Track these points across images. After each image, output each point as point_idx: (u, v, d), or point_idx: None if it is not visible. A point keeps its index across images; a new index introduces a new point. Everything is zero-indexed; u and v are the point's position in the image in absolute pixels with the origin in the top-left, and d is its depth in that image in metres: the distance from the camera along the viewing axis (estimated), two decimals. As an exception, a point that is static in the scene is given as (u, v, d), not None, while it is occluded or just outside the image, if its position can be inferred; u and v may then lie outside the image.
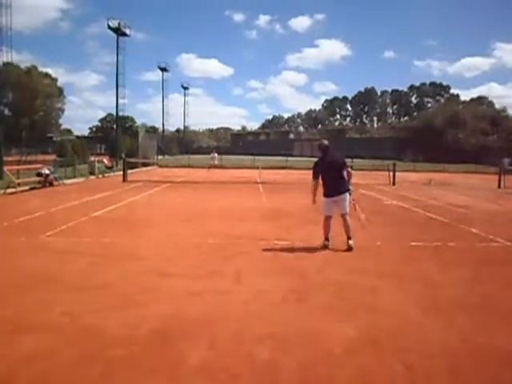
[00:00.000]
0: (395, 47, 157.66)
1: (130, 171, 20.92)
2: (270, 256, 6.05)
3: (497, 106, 68.13)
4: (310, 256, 6.12)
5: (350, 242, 6.43)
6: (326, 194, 6.65)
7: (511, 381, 2.88)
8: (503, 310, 4.17)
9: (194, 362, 3.00)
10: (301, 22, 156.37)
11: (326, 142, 6.88)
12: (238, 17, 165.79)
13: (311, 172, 6.89)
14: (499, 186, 18.97)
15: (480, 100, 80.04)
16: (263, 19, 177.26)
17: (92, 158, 24.47)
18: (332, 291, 4.59)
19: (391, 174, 19.72)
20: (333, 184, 6.52)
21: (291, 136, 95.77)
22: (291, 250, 6.44)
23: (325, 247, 6.50)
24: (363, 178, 23.65)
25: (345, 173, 6.58)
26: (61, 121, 70.20)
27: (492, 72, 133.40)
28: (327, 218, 6.70)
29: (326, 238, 6.62)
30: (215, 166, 32.24)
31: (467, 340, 3.45)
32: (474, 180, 24.19)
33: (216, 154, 35.04)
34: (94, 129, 75.35)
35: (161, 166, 34.01)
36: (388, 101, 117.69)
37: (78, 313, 3.84)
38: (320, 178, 6.73)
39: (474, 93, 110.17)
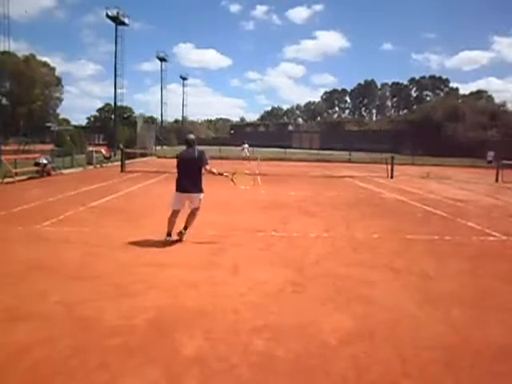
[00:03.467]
0: (393, 40, 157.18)
1: (128, 161, 20.88)
2: (267, 247, 6.06)
3: (496, 101, 68.12)
4: (307, 247, 6.13)
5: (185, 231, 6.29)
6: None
7: (504, 374, 2.90)
8: (498, 303, 4.19)
9: (189, 353, 3.01)
10: (298, 13, 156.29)
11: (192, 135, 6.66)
12: (235, 7, 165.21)
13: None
14: (497, 180, 19.00)
15: (479, 94, 79.92)
16: (260, 10, 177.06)
17: (90, 148, 24.40)
18: (328, 283, 4.61)
19: (389, 167, 19.72)
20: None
21: (290, 128, 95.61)
22: (288, 241, 6.44)
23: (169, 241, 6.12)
24: (361, 170, 23.65)
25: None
26: (58, 110, 69.82)
27: (491, 66, 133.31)
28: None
29: (169, 233, 6.23)
30: (248, 159, 28.46)
31: (462, 333, 3.47)
32: (472, 174, 24.20)
33: (247, 145, 31.72)
34: (92, 119, 75.00)
35: (159, 157, 33.89)
36: (388, 94, 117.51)
37: (74, 303, 3.84)
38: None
39: (472, 87, 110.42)
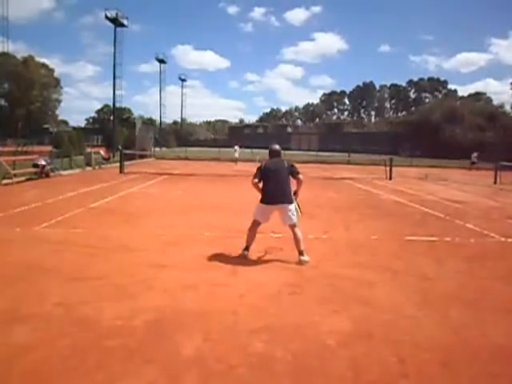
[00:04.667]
0: (391, 41, 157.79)
1: (126, 163, 20.86)
2: (265, 249, 6.05)
3: (494, 103, 68.37)
4: (305, 249, 6.12)
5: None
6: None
7: (501, 374, 2.91)
8: (496, 304, 4.20)
9: (188, 354, 3.02)
10: (297, 15, 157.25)
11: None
12: (232, 9, 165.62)
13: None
14: (495, 182, 19.04)
15: (478, 96, 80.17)
16: (258, 11, 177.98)
17: (89, 150, 24.35)
18: (327, 284, 4.61)
19: (388, 168, 19.75)
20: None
21: (289, 129, 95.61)
22: (287, 242, 6.43)
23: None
24: (360, 172, 23.68)
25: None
26: (57, 112, 69.75)
27: (488, 68, 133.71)
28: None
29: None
30: (236, 160, 29.31)
31: (460, 334, 3.48)
32: (470, 175, 24.25)
33: (237, 147, 31.16)
34: (91, 120, 74.95)
35: (158, 158, 33.93)
36: (386, 95, 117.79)
37: (73, 304, 3.84)
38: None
39: (470, 89, 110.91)
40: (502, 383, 2.84)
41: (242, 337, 3.30)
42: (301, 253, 5.53)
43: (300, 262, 5.45)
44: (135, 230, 7.16)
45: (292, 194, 5.70)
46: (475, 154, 31.45)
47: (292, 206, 5.64)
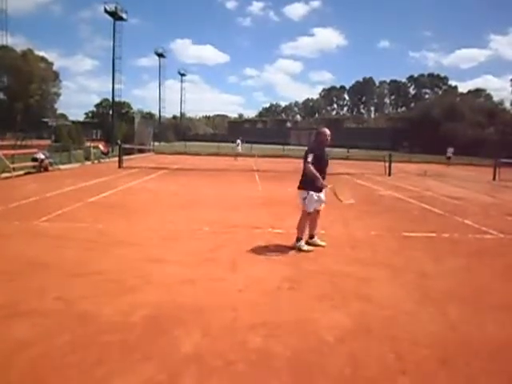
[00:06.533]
0: (390, 37, 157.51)
1: (125, 157, 20.81)
2: (264, 244, 6.06)
3: (494, 99, 68.37)
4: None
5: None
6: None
7: (500, 371, 2.91)
8: (494, 301, 4.21)
9: (187, 350, 3.02)
10: (296, 10, 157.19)
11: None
12: (231, 3, 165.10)
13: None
14: (494, 179, 19.06)
15: (478, 92, 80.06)
16: (256, 6, 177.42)
17: (87, 144, 24.31)
18: (326, 280, 4.62)
19: (387, 164, 19.75)
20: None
21: (288, 124, 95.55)
22: (286, 238, 6.44)
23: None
24: (359, 168, 23.68)
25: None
26: (56, 105, 69.57)
27: (488, 64, 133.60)
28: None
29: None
30: (236, 155, 29.08)
31: (458, 330, 3.49)
32: (470, 172, 24.27)
33: (239, 141, 30.64)
34: (90, 114, 74.72)
35: (157, 153, 33.87)
36: (386, 91, 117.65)
37: (72, 299, 3.84)
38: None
39: (470, 85, 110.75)
40: (501, 380, 2.85)
41: (240, 333, 3.30)
42: (314, 236, 6.01)
43: (314, 244, 5.92)
44: (134, 224, 7.15)
45: (302, 178, 5.81)
46: (451, 150, 31.65)
47: (300, 194, 5.81)
